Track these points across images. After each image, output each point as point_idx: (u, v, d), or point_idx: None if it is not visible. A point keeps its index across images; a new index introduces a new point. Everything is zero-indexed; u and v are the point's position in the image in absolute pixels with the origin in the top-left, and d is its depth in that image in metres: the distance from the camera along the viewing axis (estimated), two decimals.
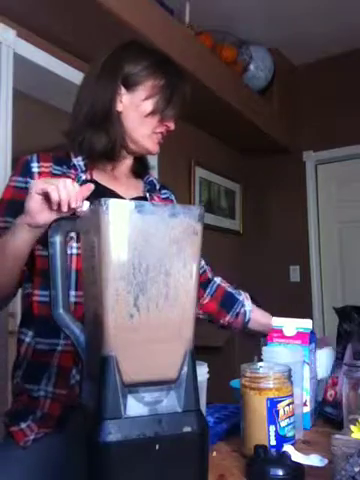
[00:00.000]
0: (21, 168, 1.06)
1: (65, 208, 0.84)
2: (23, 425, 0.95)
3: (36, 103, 2.81)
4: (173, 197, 1.31)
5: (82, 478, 0.58)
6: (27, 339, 1.02)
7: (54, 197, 0.83)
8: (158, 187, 1.25)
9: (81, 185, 1.03)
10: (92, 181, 1.06)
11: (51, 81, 2.42)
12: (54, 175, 1.04)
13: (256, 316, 1.29)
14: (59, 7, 2.07)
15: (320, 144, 3.83)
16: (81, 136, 1.07)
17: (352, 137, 3.65)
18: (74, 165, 1.08)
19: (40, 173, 1.04)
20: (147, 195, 1.18)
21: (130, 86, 1.08)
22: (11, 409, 1.01)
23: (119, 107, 1.08)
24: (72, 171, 1.07)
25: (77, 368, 0.96)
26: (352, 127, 3.66)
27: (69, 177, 1.04)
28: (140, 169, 1.20)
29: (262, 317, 1.28)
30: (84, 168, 1.08)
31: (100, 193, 0.95)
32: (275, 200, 3.99)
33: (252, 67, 3.45)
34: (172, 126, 1.13)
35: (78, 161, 1.08)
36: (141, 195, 1.17)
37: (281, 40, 3.58)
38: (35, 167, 1.05)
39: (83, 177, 1.07)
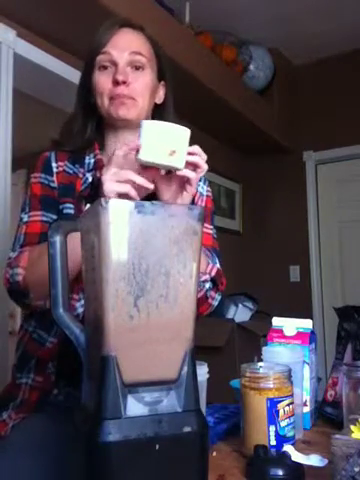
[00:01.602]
0: (43, 165, 1.08)
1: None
2: (4, 415, 0.98)
3: (36, 103, 2.81)
4: (204, 188, 1.18)
5: (81, 478, 0.58)
6: (30, 328, 1.04)
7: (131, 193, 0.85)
8: None
9: (90, 185, 1.05)
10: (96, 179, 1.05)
11: (51, 81, 2.42)
12: (66, 173, 1.08)
13: None
14: (59, 7, 2.07)
15: (320, 144, 3.83)
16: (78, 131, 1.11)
17: (352, 137, 3.65)
18: (85, 163, 1.08)
19: (57, 173, 1.08)
20: None
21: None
22: None
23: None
24: (81, 170, 1.08)
25: (53, 363, 0.99)
26: (352, 127, 3.66)
27: (78, 176, 1.07)
28: None
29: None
30: (92, 166, 1.07)
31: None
32: (275, 200, 3.99)
33: (252, 67, 3.45)
34: (119, 77, 1.03)
35: (89, 159, 1.09)
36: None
37: (281, 40, 3.58)
38: (54, 167, 1.08)
39: (89, 178, 1.06)
